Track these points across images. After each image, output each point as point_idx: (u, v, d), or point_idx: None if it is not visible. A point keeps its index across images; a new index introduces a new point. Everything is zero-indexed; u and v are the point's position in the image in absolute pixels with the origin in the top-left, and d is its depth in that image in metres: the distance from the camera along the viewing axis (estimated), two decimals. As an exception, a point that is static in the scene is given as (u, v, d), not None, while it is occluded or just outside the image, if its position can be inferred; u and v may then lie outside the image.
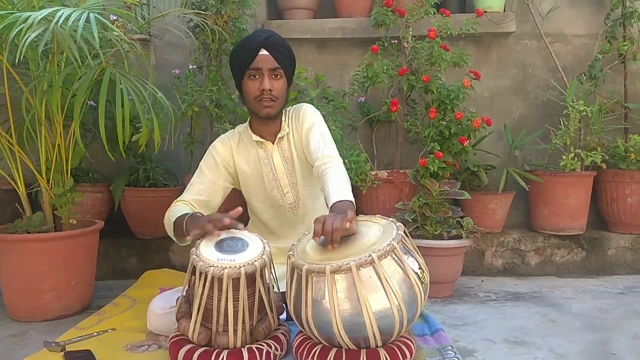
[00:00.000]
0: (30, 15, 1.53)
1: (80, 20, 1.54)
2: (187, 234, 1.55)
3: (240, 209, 1.56)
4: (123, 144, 1.84)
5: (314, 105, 2.48)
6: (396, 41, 2.61)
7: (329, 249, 1.34)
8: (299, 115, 1.85)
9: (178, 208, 1.74)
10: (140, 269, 2.44)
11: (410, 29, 2.57)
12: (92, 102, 2.32)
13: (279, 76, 1.75)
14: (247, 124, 1.90)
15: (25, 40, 1.49)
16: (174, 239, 1.71)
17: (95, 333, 1.67)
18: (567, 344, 1.62)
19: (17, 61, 1.52)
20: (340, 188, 1.54)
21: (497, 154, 2.73)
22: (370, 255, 1.29)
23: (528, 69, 2.87)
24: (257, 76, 1.74)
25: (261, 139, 1.83)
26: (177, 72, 2.54)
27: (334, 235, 1.33)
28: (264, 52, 1.73)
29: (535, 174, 2.56)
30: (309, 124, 1.81)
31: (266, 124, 1.82)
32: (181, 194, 1.87)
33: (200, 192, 1.82)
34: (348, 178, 1.64)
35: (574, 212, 2.53)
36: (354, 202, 1.52)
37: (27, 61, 1.90)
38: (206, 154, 1.89)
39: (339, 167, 1.65)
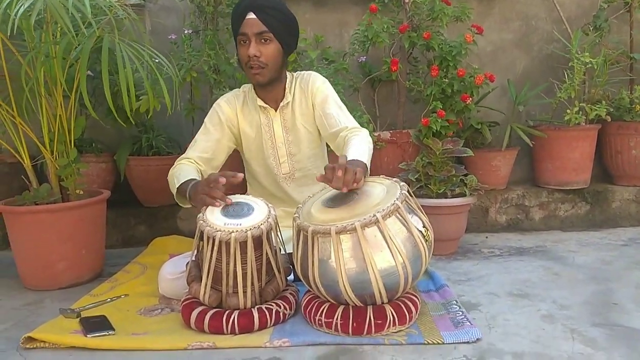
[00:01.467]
0: (21, -15, 1.50)
1: (72, -12, 1.51)
2: (195, 202, 1.55)
3: (241, 175, 1.54)
4: (125, 112, 1.83)
5: (314, 66, 2.47)
6: (396, -4, 2.55)
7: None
8: (307, 85, 1.80)
9: (183, 167, 1.73)
10: (148, 236, 2.48)
11: (411, -16, 2.50)
12: (89, 72, 2.29)
13: (268, 40, 1.67)
14: (251, 85, 1.86)
15: (18, 11, 1.46)
16: (177, 200, 1.70)
17: (108, 299, 1.71)
18: (570, 295, 1.66)
19: (10, 33, 1.49)
20: (358, 151, 1.54)
21: (501, 110, 2.71)
22: (374, 215, 1.31)
23: (531, 21, 2.80)
24: (246, 41, 1.68)
25: (265, 105, 1.81)
26: (173, 37, 2.50)
27: (346, 175, 1.33)
28: (251, 15, 1.66)
29: (539, 129, 2.55)
30: (322, 97, 1.77)
31: (266, 90, 1.79)
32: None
33: (205, 150, 1.81)
34: (371, 146, 1.63)
35: (578, 166, 2.53)
36: (367, 166, 1.52)
37: (22, 32, 1.88)
38: (211, 111, 1.86)
39: (364, 136, 1.64)
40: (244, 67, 1.75)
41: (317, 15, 2.80)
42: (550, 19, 2.77)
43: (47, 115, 1.94)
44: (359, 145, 1.57)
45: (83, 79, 1.72)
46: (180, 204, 1.71)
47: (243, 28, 1.67)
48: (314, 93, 1.79)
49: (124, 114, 2.02)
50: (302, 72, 1.88)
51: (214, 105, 1.87)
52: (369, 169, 1.55)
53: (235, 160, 2.02)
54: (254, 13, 1.66)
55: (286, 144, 1.84)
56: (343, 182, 1.34)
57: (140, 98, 2.00)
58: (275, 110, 1.82)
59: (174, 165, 1.78)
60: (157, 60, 1.93)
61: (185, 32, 2.46)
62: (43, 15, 1.82)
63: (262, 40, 1.67)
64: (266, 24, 1.66)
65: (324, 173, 1.37)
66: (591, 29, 2.61)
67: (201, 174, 1.77)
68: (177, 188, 1.66)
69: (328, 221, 1.36)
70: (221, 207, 1.48)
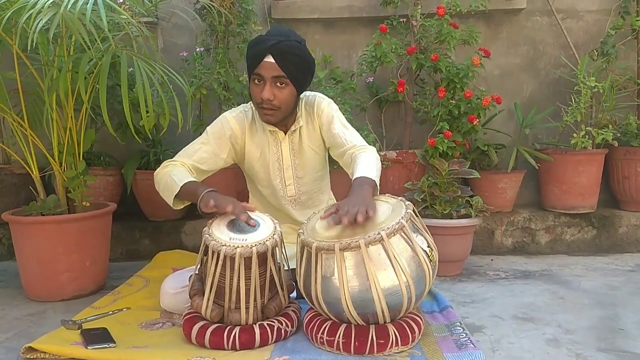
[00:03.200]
0: (38, 0, 1.54)
1: (89, 4, 1.55)
2: (203, 206, 1.53)
3: (254, 208, 1.57)
4: (134, 127, 1.86)
5: (322, 86, 2.50)
6: (405, 19, 2.59)
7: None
8: (313, 107, 1.79)
9: (181, 169, 1.69)
10: (152, 250, 2.48)
11: (419, 7, 2.54)
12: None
13: (283, 85, 1.64)
14: None
15: (36, 26, 1.49)
16: (167, 198, 1.67)
17: (110, 312, 1.71)
18: (576, 320, 1.63)
19: (29, 48, 1.52)
20: (366, 168, 1.54)
21: (508, 133, 2.71)
22: (379, 233, 1.30)
23: (539, 46, 2.83)
24: (260, 81, 1.65)
25: (274, 128, 1.78)
26: (184, 54, 2.55)
27: (348, 219, 1.34)
28: (269, 58, 1.61)
29: (545, 153, 2.55)
30: (328, 118, 1.76)
31: None
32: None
33: (202, 161, 1.75)
34: (380, 164, 1.62)
35: (584, 191, 2.52)
36: (376, 182, 1.53)
37: (37, 46, 1.92)
38: (217, 122, 1.80)
39: (372, 152, 1.65)
40: (255, 105, 1.73)
41: (327, 37, 2.84)
42: (558, 45, 2.79)
43: (58, 127, 1.97)
44: (367, 162, 1.57)
45: (103, 93, 1.72)
46: (172, 204, 1.66)
47: (259, 69, 1.63)
48: (320, 115, 1.78)
49: (135, 128, 2.05)
50: (307, 93, 1.84)
51: (220, 117, 1.82)
52: (378, 186, 1.55)
53: (241, 179, 2.03)
54: (273, 57, 1.61)
55: (293, 167, 1.83)
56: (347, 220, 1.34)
57: (148, 115, 2.02)
58: (285, 134, 1.80)
59: (164, 165, 1.72)
60: (166, 78, 1.96)
61: (197, 50, 2.50)
62: (58, 29, 1.86)
63: (278, 84, 1.64)
64: (284, 69, 1.62)
65: (327, 207, 1.39)
66: (598, 54, 2.63)
67: None
68: (182, 186, 1.61)
69: (332, 237, 1.36)
70: (227, 222, 1.49)
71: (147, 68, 1.80)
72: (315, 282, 1.35)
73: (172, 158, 1.77)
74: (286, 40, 1.63)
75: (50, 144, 1.99)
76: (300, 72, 1.66)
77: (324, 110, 1.78)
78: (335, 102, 1.89)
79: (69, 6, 1.51)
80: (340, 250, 1.30)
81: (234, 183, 2.37)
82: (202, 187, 1.60)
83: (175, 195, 1.64)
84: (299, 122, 1.79)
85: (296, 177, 1.84)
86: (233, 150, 1.82)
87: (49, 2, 1.53)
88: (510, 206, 2.62)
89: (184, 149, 1.80)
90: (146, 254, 2.49)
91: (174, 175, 1.66)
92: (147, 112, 1.75)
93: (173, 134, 2.44)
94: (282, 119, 1.73)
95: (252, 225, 1.47)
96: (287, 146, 1.81)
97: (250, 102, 1.91)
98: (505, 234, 2.58)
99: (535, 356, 1.37)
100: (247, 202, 1.92)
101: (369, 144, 2.36)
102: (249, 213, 1.52)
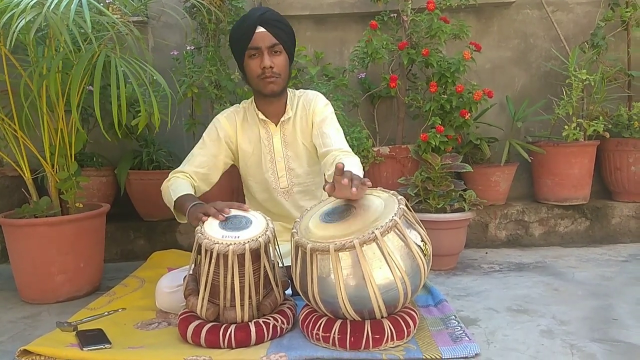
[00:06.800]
0: (22, 0, 1.52)
1: (72, 5, 1.53)
2: (190, 221, 1.56)
3: (247, 206, 1.57)
4: (124, 127, 1.84)
5: (314, 82, 2.50)
6: (395, 14, 2.59)
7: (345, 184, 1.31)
8: (310, 104, 1.83)
9: (179, 182, 1.74)
10: (147, 250, 2.48)
11: (410, 2, 2.54)
12: (90, 87, 2.31)
13: (278, 52, 1.73)
14: (251, 100, 1.88)
15: (17, 25, 1.48)
16: (173, 212, 1.71)
17: (106, 313, 1.70)
18: (570, 310, 1.65)
19: (9, 46, 1.51)
20: (350, 166, 1.55)
21: (500, 126, 2.72)
22: (373, 232, 1.30)
23: (530, 39, 2.83)
24: (256, 55, 1.72)
25: (265, 119, 1.83)
26: (175, 53, 2.54)
27: (353, 181, 1.31)
28: (260, 29, 1.71)
29: (538, 145, 2.56)
30: (322, 117, 1.80)
31: (270, 102, 1.81)
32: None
33: (202, 165, 1.82)
34: (362, 171, 1.64)
35: (577, 182, 2.53)
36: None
37: (26, 47, 1.90)
38: (210, 126, 1.87)
39: (356, 158, 1.67)
40: (255, 80, 1.76)
41: (318, 33, 2.84)
42: (549, 37, 2.80)
43: (49, 129, 1.96)
44: (351, 165, 1.58)
45: (74, 94, 1.73)
46: (177, 218, 1.72)
47: (254, 42, 1.71)
48: (315, 112, 1.82)
49: (127, 128, 2.04)
50: (308, 90, 1.91)
51: (213, 120, 1.88)
52: None
53: (235, 176, 2.03)
54: (263, 27, 1.71)
55: (285, 159, 1.85)
56: (351, 186, 1.30)
57: (139, 115, 2.02)
58: (276, 125, 1.84)
59: (168, 178, 1.79)
60: (155, 78, 1.94)
61: (187, 48, 2.49)
62: (46, 30, 1.85)
63: (273, 52, 1.73)
64: (276, 37, 1.72)
65: (324, 188, 1.37)
66: (589, 46, 2.64)
67: (195, 189, 1.78)
68: (175, 201, 1.67)
69: (326, 238, 1.35)
70: (219, 220, 1.49)
71: (130, 68, 1.78)
72: (312, 282, 1.35)
73: (167, 161, 1.80)
74: (269, 11, 1.77)
75: (42, 146, 1.98)
76: (288, 38, 1.76)
77: (320, 109, 1.82)
78: (327, 98, 1.90)
79: (52, 6, 1.50)
80: (335, 251, 1.30)
81: (227, 181, 2.36)
82: (190, 201, 1.62)
83: (176, 210, 1.69)
84: (288, 112, 1.83)
85: (288, 169, 1.86)
86: (229, 150, 1.87)
87: (33, 2, 1.51)
88: (503, 199, 2.63)
89: (186, 158, 1.85)
90: (141, 254, 2.48)
91: (172, 189, 1.71)
92: (132, 111, 1.75)
93: (166, 133, 2.43)
94: (282, 88, 1.78)
95: (245, 210, 1.52)
96: (279, 137, 1.84)
97: (242, 102, 1.92)
98: (499, 226, 2.59)
99: (529, 347, 1.38)
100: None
101: (362, 140, 2.39)
102: (240, 211, 1.53)
